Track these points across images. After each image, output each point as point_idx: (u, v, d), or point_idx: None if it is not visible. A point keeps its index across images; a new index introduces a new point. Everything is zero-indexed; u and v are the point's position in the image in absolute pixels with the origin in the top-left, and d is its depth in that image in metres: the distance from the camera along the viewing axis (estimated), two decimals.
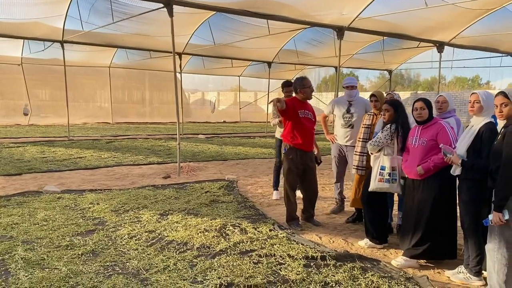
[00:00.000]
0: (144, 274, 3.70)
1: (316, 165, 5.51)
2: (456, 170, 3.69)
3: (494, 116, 3.56)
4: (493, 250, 3.36)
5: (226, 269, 3.83)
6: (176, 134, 8.48)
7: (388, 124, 4.57)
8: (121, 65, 19.70)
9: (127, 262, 3.96)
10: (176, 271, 3.78)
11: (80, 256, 4.07)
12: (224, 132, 18.03)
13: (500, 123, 3.41)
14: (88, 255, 4.12)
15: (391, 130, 4.49)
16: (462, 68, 19.35)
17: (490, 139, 3.48)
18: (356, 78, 29.32)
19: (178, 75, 17.28)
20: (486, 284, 3.54)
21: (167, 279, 3.60)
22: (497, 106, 3.34)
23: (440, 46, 12.81)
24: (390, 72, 20.96)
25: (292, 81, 5.70)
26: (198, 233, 4.77)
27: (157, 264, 3.92)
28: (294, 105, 5.17)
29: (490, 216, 3.25)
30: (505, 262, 3.31)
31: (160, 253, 4.20)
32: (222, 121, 24.51)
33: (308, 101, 5.42)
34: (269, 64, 17.93)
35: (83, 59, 18.31)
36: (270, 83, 18.52)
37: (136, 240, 4.56)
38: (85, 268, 3.78)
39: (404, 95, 21.56)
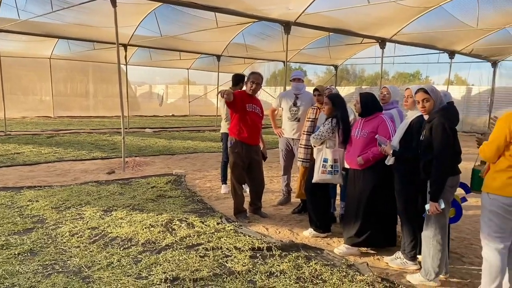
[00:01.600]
0: (86, 272, 3.59)
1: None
2: (389, 160, 3.87)
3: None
4: (429, 237, 3.56)
5: (172, 263, 3.80)
6: (121, 128, 8.24)
7: (329, 118, 4.70)
8: (62, 56, 18.78)
9: (68, 260, 3.83)
10: (120, 267, 3.71)
11: (16, 256, 3.89)
12: (173, 126, 17.76)
13: None
14: (25, 254, 3.94)
15: (332, 124, 4.63)
16: (404, 64, 20.17)
17: (419, 131, 3.67)
18: (304, 73, 29.79)
19: (123, 67, 16.80)
20: (420, 268, 3.75)
21: (111, 276, 3.53)
22: (419, 102, 3.54)
23: (382, 42, 13.27)
24: (336, 67, 21.49)
25: (243, 74, 5.71)
26: (143, 229, 4.69)
27: (100, 261, 3.82)
28: (243, 98, 5.19)
29: (427, 206, 3.45)
30: (439, 248, 3.53)
31: (103, 250, 4.10)
32: (170, 114, 24.10)
33: (257, 96, 5.46)
34: (218, 57, 17.82)
35: (20, 49, 17.26)
36: (220, 76, 18.41)
37: (78, 237, 4.41)
38: (22, 268, 3.62)
39: (349, 90, 22.20)
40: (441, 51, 15.44)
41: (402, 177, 3.84)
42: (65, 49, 17.64)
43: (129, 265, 3.77)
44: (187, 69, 23.09)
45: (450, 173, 3.42)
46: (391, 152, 3.80)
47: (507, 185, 2.97)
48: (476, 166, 3.41)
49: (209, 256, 3.99)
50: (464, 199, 4.22)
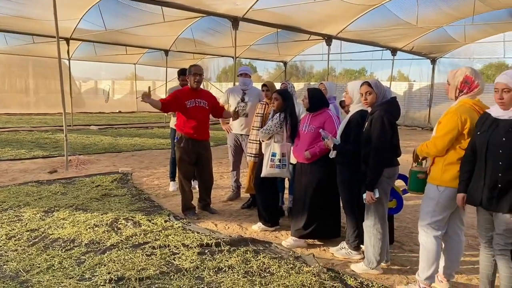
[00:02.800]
0: (24, 276, 3.42)
1: (210, 156, 5.50)
2: (332, 154, 3.97)
3: None
4: (369, 226, 3.70)
5: (117, 263, 3.70)
6: (63, 125, 7.89)
7: (277, 113, 4.75)
8: None
9: (4, 265, 3.62)
10: (61, 269, 3.56)
11: None
12: (119, 123, 17.27)
13: None
14: None
15: (280, 119, 4.68)
16: (350, 61, 20.75)
17: (357, 126, 3.80)
18: (254, 69, 29.91)
19: (66, 62, 16.09)
20: (364, 257, 3.88)
21: (51, 279, 3.38)
22: (362, 95, 3.67)
23: (328, 39, 13.59)
24: (285, 63, 21.76)
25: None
26: (87, 229, 4.53)
27: (39, 264, 3.65)
28: (180, 96, 5.11)
29: (364, 195, 3.57)
30: (379, 237, 3.67)
31: (43, 252, 3.91)
32: (117, 111, 23.41)
33: (204, 88, 5.41)
34: (166, 52, 17.49)
35: None
36: (168, 72, 18.07)
37: (15, 240, 4.18)
38: None
39: (298, 86, 22.55)
40: (384, 48, 16.03)
41: (344, 169, 3.95)
42: (1, 43, 16.62)
43: (71, 267, 3.62)
44: (134, 64, 22.49)
45: (386, 165, 3.55)
46: (332, 145, 3.90)
47: (458, 177, 3.09)
48: (414, 168, 3.56)
49: (156, 255, 3.92)
50: (405, 191, 4.40)
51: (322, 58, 18.40)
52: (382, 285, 3.47)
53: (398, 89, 19.47)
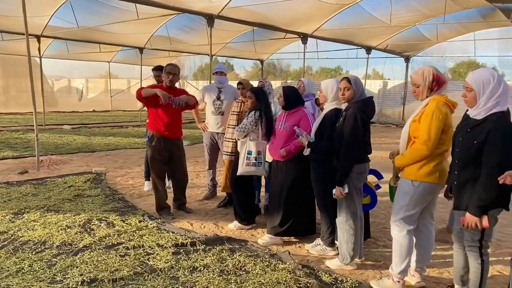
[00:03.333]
0: None
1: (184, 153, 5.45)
2: (306, 151, 3.99)
3: None
4: (342, 222, 3.74)
5: (90, 265, 3.63)
6: (34, 125, 7.68)
7: (252, 111, 4.74)
8: None
9: None
10: (32, 272, 3.47)
11: None
12: (93, 122, 16.95)
13: None
14: None
15: (256, 117, 4.67)
16: (326, 59, 20.91)
17: (331, 123, 3.83)
18: (231, 67, 29.84)
19: (37, 59, 15.70)
20: (338, 254, 3.92)
21: (21, 282, 3.28)
22: (341, 89, 3.70)
23: (304, 37, 13.67)
24: (262, 62, 21.77)
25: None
26: (58, 231, 4.43)
27: (8, 267, 3.54)
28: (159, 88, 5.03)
29: (334, 191, 3.62)
30: (352, 232, 3.71)
31: (12, 255, 3.80)
32: (91, 110, 22.97)
33: (181, 86, 5.35)
34: (141, 50, 17.27)
35: None
36: (143, 70, 17.83)
37: None
38: None
39: (275, 84, 22.61)
40: (359, 47, 16.22)
41: (318, 167, 3.98)
42: None
43: (42, 269, 3.53)
44: (108, 62, 22.10)
45: (356, 161, 3.59)
46: (307, 143, 3.92)
47: (433, 172, 3.16)
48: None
49: (130, 255, 3.86)
50: (378, 186, 4.47)
51: (299, 56, 18.48)
52: (356, 281, 3.51)
53: (372, 87, 19.75)
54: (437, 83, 3.18)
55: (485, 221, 2.78)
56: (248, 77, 22.70)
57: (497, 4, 11.63)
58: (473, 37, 15.34)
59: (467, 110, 3.02)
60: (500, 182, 2.59)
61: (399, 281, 3.37)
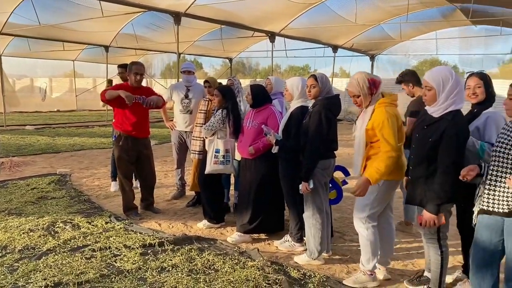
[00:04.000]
0: None
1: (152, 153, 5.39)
2: (274, 149, 4.02)
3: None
4: (308, 217, 3.80)
5: (54, 268, 3.54)
6: None
7: (219, 109, 4.73)
8: None
9: None
10: None
11: None
12: (58, 122, 16.47)
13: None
14: None
15: (223, 115, 4.67)
16: (294, 58, 21.07)
17: (298, 121, 3.88)
18: (200, 65, 29.64)
19: None
20: (307, 249, 3.96)
21: None
22: (307, 86, 3.75)
23: (272, 36, 13.72)
24: (230, 60, 21.72)
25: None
26: (20, 234, 4.29)
27: None
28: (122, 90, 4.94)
29: (300, 186, 3.67)
30: (319, 227, 3.77)
31: None
32: (55, 110, 22.30)
33: (145, 85, 5.29)
34: (107, 48, 16.89)
35: None
36: (109, 68, 17.46)
37: None
38: None
39: (244, 82, 22.62)
40: (326, 46, 16.42)
41: (286, 164, 4.02)
42: None
43: (2, 275, 3.42)
44: (73, 60, 21.49)
45: (321, 157, 3.65)
46: (274, 141, 3.95)
47: (395, 170, 3.21)
48: None
49: (96, 257, 3.79)
50: (344, 182, 4.56)
51: (267, 54, 18.57)
52: (324, 275, 3.56)
53: (340, 85, 20.04)
54: (374, 86, 3.23)
55: (442, 219, 2.89)
56: (217, 76, 22.57)
57: (457, 4, 12.04)
58: (435, 36, 15.80)
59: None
60: (461, 178, 2.67)
61: (372, 274, 3.45)
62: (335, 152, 3.83)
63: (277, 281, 3.40)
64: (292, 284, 3.38)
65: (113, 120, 5.29)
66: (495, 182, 2.56)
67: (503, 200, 2.52)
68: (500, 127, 2.94)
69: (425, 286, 3.27)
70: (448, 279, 3.39)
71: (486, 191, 2.60)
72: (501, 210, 2.53)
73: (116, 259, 3.77)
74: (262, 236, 4.53)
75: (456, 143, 2.79)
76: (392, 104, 3.24)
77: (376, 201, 3.33)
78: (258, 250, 4.01)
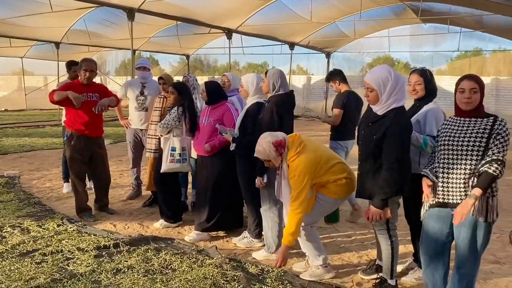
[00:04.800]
0: None
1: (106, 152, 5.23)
2: (232, 147, 4.02)
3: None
4: (265, 211, 3.85)
5: (1, 275, 3.37)
6: None
7: (175, 107, 4.67)
8: None
9: None
10: None
11: None
12: (6, 123, 15.69)
13: None
14: None
15: (179, 112, 4.61)
16: (252, 55, 21.14)
17: (253, 117, 3.91)
18: (156, 62, 29.13)
19: None
20: (265, 244, 3.99)
21: None
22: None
23: (229, 33, 13.68)
24: (187, 56, 21.48)
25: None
26: None
27: None
28: (70, 90, 4.74)
29: (256, 180, 3.70)
30: (276, 220, 3.83)
31: None
32: (3, 109, 21.25)
33: (101, 82, 5.12)
34: (57, 44, 16.24)
35: None
36: (60, 65, 16.79)
37: None
38: None
39: (202, 79, 22.37)
40: (283, 43, 16.56)
41: (243, 160, 4.03)
42: None
43: None
44: (21, 57, 20.52)
45: None
46: (231, 139, 3.95)
47: (345, 191, 3.40)
48: None
49: (47, 262, 3.64)
50: None
51: (225, 51, 18.51)
52: (282, 270, 3.57)
53: (297, 82, 20.31)
54: (281, 147, 3.30)
55: (387, 213, 3.01)
56: (174, 73, 22.27)
57: (407, 2, 12.47)
58: (388, 34, 16.30)
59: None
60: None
61: (326, 266, 3.52)
62: None
63: (235, 277, 3.40)
64: (250, 280, 3.38)
65: (65, 119, 5.09)
66: (447, 175, 2.62)
67: (457, 192, 2.59)
68: (440, 120, 3.10)
69: (378, 275, 3.37)
70: (400, 267, 3.51)
71: (440, 185, 2.66)
72: (455, 201, 2.59)
73: (69, 263, 3.64)
74: (221, 233, 4.52)
75: (399, 139, 2.90)
76: (300, 151, 3.28)
77: (320, 215, 3.55)
78: (216, 247, 4.00)
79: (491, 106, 15.29)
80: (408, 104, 3.18)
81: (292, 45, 16.59)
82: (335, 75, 5.17)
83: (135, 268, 3.57)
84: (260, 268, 3.62)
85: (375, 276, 3.43)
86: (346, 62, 18.78)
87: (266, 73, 3.88)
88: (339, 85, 5.11)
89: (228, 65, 15.48)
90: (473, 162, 2.54)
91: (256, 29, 14.17)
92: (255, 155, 3.40)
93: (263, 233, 4.12)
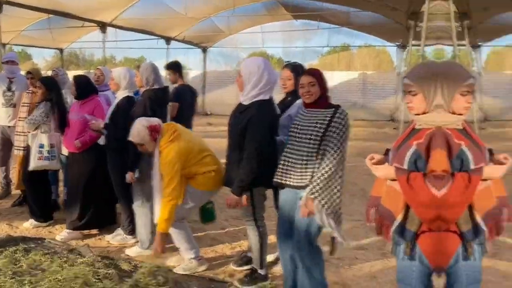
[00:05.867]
0: None
1: None
2: (101, 140, 4.09)
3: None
4: (138, 206, 3.93)
5: None
6: None
7: (43, 102, 4.56)
8: None
9: None
10: None
11: None
12: None
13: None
14: None
15: (47, 108, 4.52)
16: (129, 49, 20.49)
17: (124, 112, 3.96)
18: (29, 57, 26.78)
19: None
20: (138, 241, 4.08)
21: None
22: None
23: (102, 26, 13.21)
24: (61, 50, 20.09)
25: None
26: None
27: None
28: None
29: (127, 176, 3.82)
30: (149, 216, 3.85)
31: None
32: None
33: None
34: None
35: None
36: None
37: None
38: None
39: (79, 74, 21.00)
40: (159, 38, 16.35)
41: (115, 155, 4.06)
42: None
43: None
44: None
45: None
46: (103, 125, 4.02)
47: (213, 183, 3.53)
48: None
49: None
50: None
51: (100, 45, 17.70)
52: (155, 265, 3.60)
53: None
54: (155, 131, 3.44)
55: (244, 200, 3.16)
56: (48, 67, 20.61)
57: None
58: (261, 30, 16.94)
59: None
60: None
61: (200, 259, 3.65)
62: None
63: (107, 275, 3.40)
64: (123, 277, 3.41)
65: None
66: (288, 159, 2.83)
67: (293, 175, 2.79)
68: None
69: (249, 266, 3.50)
70: (270, 257, 3.63)
71: (280, 166, 2.89)
72: (292, 183, 2.79)
73: None
74: (94, 231, 4.50)
75: (259, 130, 3.02)
76: (173, 139, 3.41)
77: (188, 210, 3.58)
78: (88, 246, 4.00)
79: (359, 99, 16.26)
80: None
81: (168, 40, 16.49)
82: (173, 67, 5.53)
83: (1, 270, 3.45)
84: (133, 264, 3.66)
85: (248, 267, 3.53)
86: (223, 57, 19.01)
87: (138, 67, 3.98)
88: (178, 76, 5.46)
89: (104, 59, 14.93)
90: (310, 149, 2.73)
91: (132, 23, 13.88)
92: (129, 138, 3.46)
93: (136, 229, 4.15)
